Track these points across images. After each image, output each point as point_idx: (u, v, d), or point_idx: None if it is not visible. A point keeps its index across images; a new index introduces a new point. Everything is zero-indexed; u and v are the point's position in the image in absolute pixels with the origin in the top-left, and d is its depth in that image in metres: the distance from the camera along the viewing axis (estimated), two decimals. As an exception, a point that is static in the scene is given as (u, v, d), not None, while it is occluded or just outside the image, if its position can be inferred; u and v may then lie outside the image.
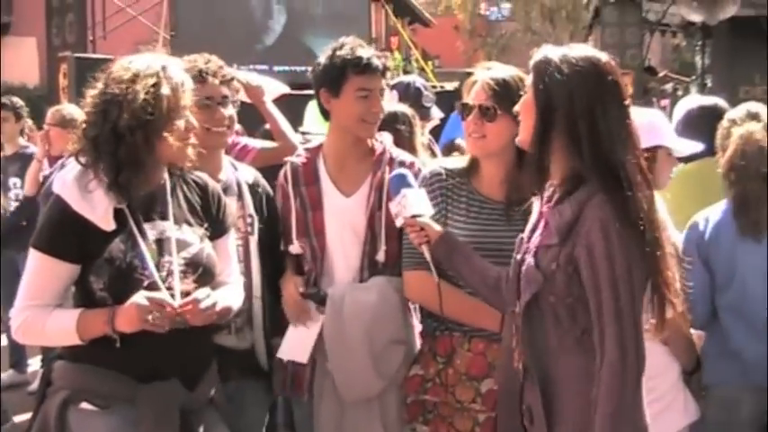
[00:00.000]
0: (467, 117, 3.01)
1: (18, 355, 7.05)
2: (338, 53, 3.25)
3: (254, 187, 3.38)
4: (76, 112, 6.12)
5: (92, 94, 2.66)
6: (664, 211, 3.23)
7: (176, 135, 2.66)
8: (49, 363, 2.80)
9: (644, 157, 2.38)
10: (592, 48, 2.48)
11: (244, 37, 10.23)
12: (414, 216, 2.77)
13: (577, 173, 2.34)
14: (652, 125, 3.25)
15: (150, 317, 2.49)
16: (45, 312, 2.62)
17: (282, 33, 10.77)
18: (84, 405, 2.61)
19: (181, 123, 2.67)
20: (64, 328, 2.58)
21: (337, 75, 3.24)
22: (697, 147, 3.45)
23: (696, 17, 15.03)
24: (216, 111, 3.21)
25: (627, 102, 2.38)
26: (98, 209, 2.60)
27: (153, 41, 11.61)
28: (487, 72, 3.02)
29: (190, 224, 2.79)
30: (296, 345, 3.29)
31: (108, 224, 2.61)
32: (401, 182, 2.86)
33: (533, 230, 2.49)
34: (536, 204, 2.55)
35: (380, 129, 3.59)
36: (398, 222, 2.83)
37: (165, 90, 2.61)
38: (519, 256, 2.49)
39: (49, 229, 2.65)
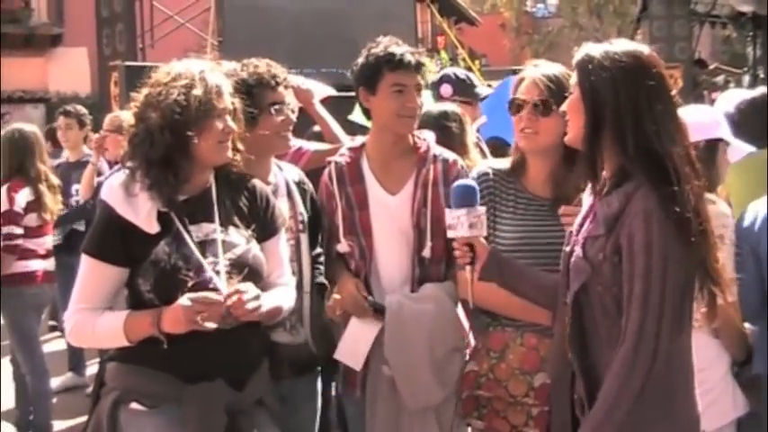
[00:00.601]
0: (518, 113, 3.02)
1: (76, 358, 7.17)
2: (372, 51, 3.32)
3: (300, 185, 3.42)
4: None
5: (136, 98, 2.73)
6: (725, 204, 3.21)
7: (209, 135, 2.70)
8: (102, 364, 2.87)
9: (695, 148, 2.38)
10: (633, 42, 2.47)
11: (291, 41, 10.28)
12: (466, 238, 2.70)
13: (625, 166, 2.34)
14: (714, 120, 3.27)
15: (199, 317, 2.53)
16: (95, 315, 2.67)
17: (329, 35, 10.80)
18: (134, 405, 2.65)
19: (217, 124, 2.71)
20: (112, 329, 2.64)
21: (372, 72, 3.30)
22: (750, 148, 3.43)
23: (746, 7, 14.81)
24: (286, 115, 3.28)
25: (673, 93, 2.37)
26: (141, 212, 2.65)
27: (201, 48, 11.76)
28: (537, 69, 3.04)
29: (236, 226, 2.82)
30: (351, 349, 3.33)
31: (151, 227, 2.65)
32: (466, 198, 2.74)
33: (583, 222, 2.50)
34: (586, 198, 2.55)
35: (431, 127, 3.61)
36: (450, 234, 2.77)
37: (197, 91, 2.65)
38: (568, 248, 2.50)
39: (97, 233, 2.72)
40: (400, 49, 3.30)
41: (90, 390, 6.62)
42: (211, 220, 2.76)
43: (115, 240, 2.66)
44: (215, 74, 2.76)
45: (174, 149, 2.65)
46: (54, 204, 5.77)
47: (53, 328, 8.59)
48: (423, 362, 3.14)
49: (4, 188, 5.55)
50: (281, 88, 3.27)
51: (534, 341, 2.97)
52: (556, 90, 2.94)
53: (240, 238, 2.79)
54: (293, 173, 3.47)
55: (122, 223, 2.65)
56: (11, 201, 5.50)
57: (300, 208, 3.34)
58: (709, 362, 3.11)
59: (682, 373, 2.36)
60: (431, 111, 4.15)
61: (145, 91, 2.71)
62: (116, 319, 2.65)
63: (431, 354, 3.14)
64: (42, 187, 5.66)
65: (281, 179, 3.37)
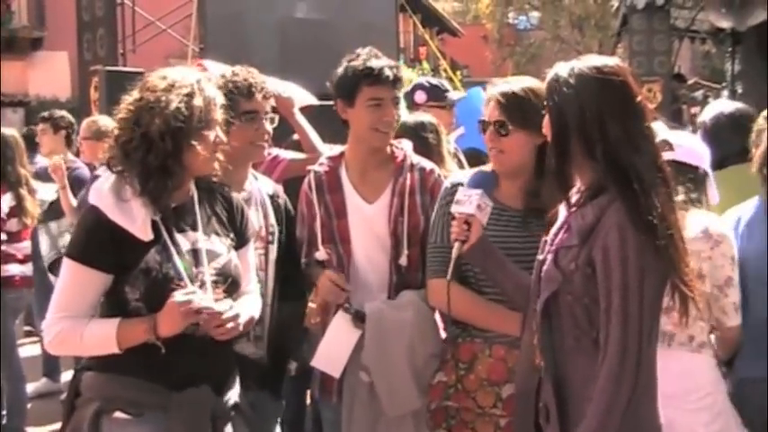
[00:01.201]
0: (485, 133, 3.06)
1: (51, 364, 7.12)
2: (351, 64, 3.34)
3: (273, 198, 3.44)
4: (110, 124, 6.22)
5: (126, 101, 2.69)
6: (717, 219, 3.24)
7: (205, 146, 2.70)
8: (76, 374, 2.81)
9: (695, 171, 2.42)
10: (603, 56, 2.52)
11: (273, 49, 10.28)
12: (471, 215, 2.75)
13: (598, 179, 2.38)
14: (695, 148, 3.34)
15: (192, 306, 2.53)
16: (81, 323, 2.62)
17: (311, 44, 10.81)
18: (118, 414, 2.63)
19: (211, 135, 2.71)
20: (103, 338, 2.59)
21: (350, 85, 3.32)
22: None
23: (725, 23, 14.93)
24: (260, 125, 3.30)
25: (638, 101, 2.40)
26: (137, 219, 2.62)
27: (182, 54, 11.75)
28: (499, 87, 3.05)
29: (218, 234, 2.84)
30: (330, 357, 3.34)
31: (146, 235, 2.63)
32: (482, 185, 2.86)
33: (558, 232, 2.53)
34: (562, 210, 2.58)
35: (408, 137, 3.63)
36: (454, 208, 2.81)
37: (198, 101, 2.66)
38: (541, 257, 2.53)
39: (85, 239, 2.66)
40: (378, 62, 3.32)
41: (65, 396, 6.65)
42: (196, 229, 2.76)
43: (104, 246, 2.61)
44: (210, 85, 2.77)
45: (171, 157, 2.63)
46: (34, 208, 5.74)
47: (28, 333, 8.54)
48: (403, 368, 3.15)
49: None
50: (257, 97, 3.28)
51: (502, 352, 3.00)
52: (513, 108, 2.96)
53: (222, 247, 2.81)
54: (267, 185, 3.49)
55: (112, 229, 2.61)
56: None
57: (272, 219, 3.36)
58: (715, 385, 3.15)
59: (649, 383, 2.38)
60: (407, 121, 4.18)
61: (137, 95, 2.68)
62: (107, 328, 2.60)
63: (411, 360, 3.15)
64: (23, 191, 5.65)
65: (255, 188, 3.38)
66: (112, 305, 2.66)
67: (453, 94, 5.35)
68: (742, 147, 3.80)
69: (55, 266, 6.67)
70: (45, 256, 6.59)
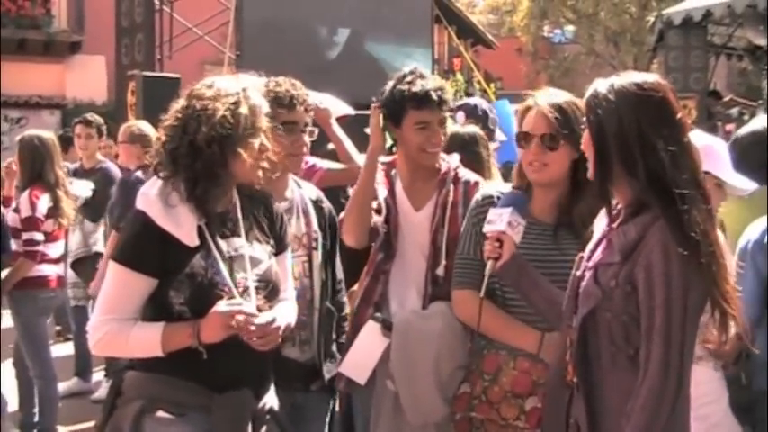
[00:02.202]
0: (526, 146, 3.02)
1: (83, 364, 7.20)
2: (398, 87, 3.38)
3: (317, 204, 3.49)
4: (146, 128, 6.31)
5: (174, 109, 2.73)
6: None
7: (250, 153, 2.73)
8: (118, 373, 2.85)
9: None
10: (642, 72, 2.50)
11: (309, 58, 10.35)
12: (503, 232, 2.77)
13: (638, 196, 2.37)
14: (706, 150, 3.18)
15: (234, 322, 2.57)
16: (127, 326, 2.66)
17: (345, 54, 10.88)
18: (160, 413, 2.66)
19: (256, 143, 2.74)
20: (148, 341, 2.63)
21: (397, 108, 3.37)
22: (751, 184, 3.42)
23: (762, 41, 14.81)
24: (299, 137, 3.34)
25: (679, 117, 2.39)
26: (184, 225, 2.66)
27: (218, 61, 11.84)
28: (544, 98, 3.03)
29: (259, 241, 2.87)
30: (357, 364, 3.38)
31: (192, 240, 2.67)
32: (513, 202, 2.86)
33: (595, 249, 2.52)
34: (599, 224, 2.58)
35: (459, 149, 3.66)
36: (486, 228, 2.82)
37: (244, 109, 2.69)
38: (578, 273, 2.53)
39: (132, 243, 2.70)
40: (424, 85, 3.35)
41: (96, 396, 6.73)
42: (238, 235, 2.80)
43: (152, 250, 2.65)
44: (256, 93, 2.80)
45: (218, 164, 2.67)
46: (69, 209, 5.82)
47: (59, 333, 8.64)
48: (428, 379, 3.16)
49: (26, 194, 5.59)
50: (298, 109, 3.31)
51: (527, 365, 3.00)
52: (563, 121, 2.95)
53: (263, 254, 2.84)
54: (311, 191, 3.53)
55: (159, 234, 2.64)
56: (33, 207, 5.55)
57: (315, 226, 3.40)
58: (713, 395, 3.13)
59: (686, 399, 2.38)
60: (460, 133, 4.19)
61: (183, 103, 2.71)
62: (152, 331, 2.64)
63: (436, 371, 3.16)
64: (60, 193, 5.72)
65: (297, 196, 3.43)
66: (156, 309, 2.69)
67: (499, 134, 5.33)
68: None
69: (79, 264, 6.74)
70: (71, 251, 6.67)
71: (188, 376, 2.66)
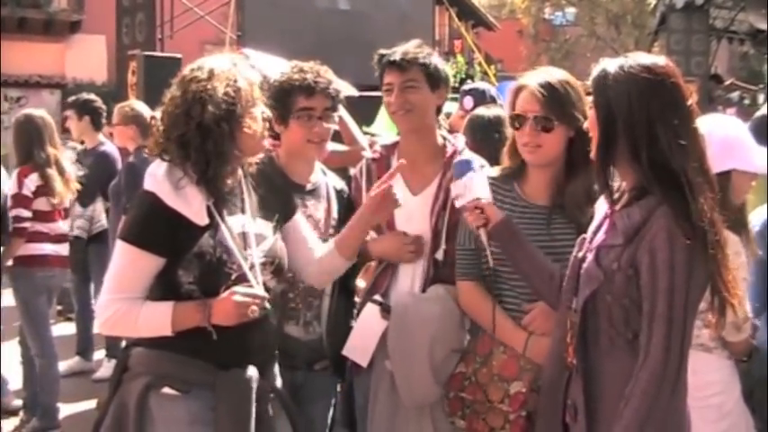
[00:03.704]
0: (520, 128, 3.02)
1: (86, 343, 7.24)
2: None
3: (340, 193, 3.51)
4: (142, 109, 6.30)
5: (171, 97, 2.73)
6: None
7: (254, 124, 2.75)
8: (124, 350, 2.85)
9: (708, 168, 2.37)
10: (651, 54, 2.48)
11: (310, 39, 10.33)
12: (477, 199, 2.82)
13: (642, 180, 2.37)
14: (724, 145, 3.11)
15: (249, 310, 2.61)
16: (136, 305, 2.66)
17: (347, 36, 10.86)
18: (166, 390, 2.67)
19: (257, 113, 2.77)
20: (158, 320, 2.64)
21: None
22: None
23: (764, 24, 14.78)
24: (315, 124, 3.33)
25: (689, 104, 2.37)
26: (193, 204, 2.67)
27: (220, 41, 11.82)
28: (534, 78, 3.01)
29: (263, 218, 2.89)
30: (359, 346, 3.39)
31: (202, 219, 2.68)
32: (466, 166, 2.90)
33: (597, 230, 2.52)
34: (600, 206, 2.59)
35: (485, 131, 3.64)
36: (458, 203, 2.87)
37: (242, 83, 2.71)
38: (580, 254, 2.53)
39: (142, 223, 2.69)
40: (393, 50, 3.36)
41: (97, 375, 6.77)
42: (244, 212, 2.82)
43: (160, 230, 2.65)
44: (245, 65, 2.82)
45: (228, 141, 2.68)
46: (63, 189, 5.79)
47: (60, 312, 8.67)
48: (422, 361, 3.17)
49: (15, 172, 5.63)
50: (318, 96, 3.31)
51: (516, 350, 3.03)
52: (556, 102, 2.94)
53: (268, 230, 2.87)
54: (337, 181, 3.56)
55: (168, 213, 2.65)
56: (20, 185, 5.58)
57: (335, 213, 3.43)
58: (725, 384, 3.14)
59: (684, 384, 2.38)
60: (484, 114, 4.18)
61: (178, 90, 2.71)
62: (162, 311, 2.65)
63: (431, 354, 3.17)
64: (51, 171, 5.68)
65: (322, 182, 3.46)
66: (164, 288, 2.70)
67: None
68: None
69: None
70: None
71: (194, 353, 2.68)
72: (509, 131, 4.02)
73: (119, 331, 2.83)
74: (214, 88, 2.65)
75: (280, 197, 3.01)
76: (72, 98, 7.45)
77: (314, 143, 3.35)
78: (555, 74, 3.03)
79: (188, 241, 2.65)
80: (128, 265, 2.70)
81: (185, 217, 2.65)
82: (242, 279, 2.69)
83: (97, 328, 2.81)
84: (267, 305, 2.71)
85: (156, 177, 2.69)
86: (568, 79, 2.99)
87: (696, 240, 2.25)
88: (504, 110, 5.16)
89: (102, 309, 2.71)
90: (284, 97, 3.29)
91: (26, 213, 5.57)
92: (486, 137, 3.93)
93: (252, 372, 2.73)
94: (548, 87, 2.95)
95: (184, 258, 2.64)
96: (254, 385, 2.72)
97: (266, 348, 2.87)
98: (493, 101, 5.19)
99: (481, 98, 5.18)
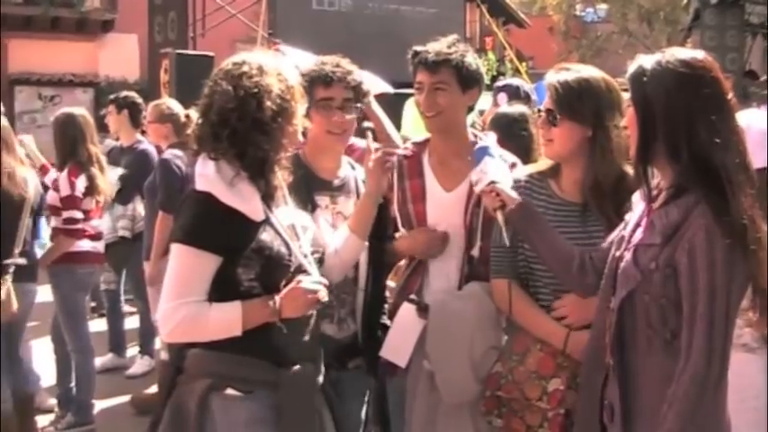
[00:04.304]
0: (539, 121, 3.09)
1: (118, 339, 7.30)
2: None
3: None
4: (176, 107, 6.33)
5: (216, 92, 2.70)
6: None
7: (298, 122, 2.78)
8: (177, 352, 2.80)
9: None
10: (687, 49, 2.44)
11: (342, 37, 10.33)
12: (492, 182, 2.86)
13: (681, 177, 2.33)
14: (763, 140, 3.08)
15: (318, 298, 2.64)
16: (204, 309, 2.63)
17: (378, 32, 10.85)
18: (229, 391, 2.66)
19: (302, 110, 2.79)
20: (228, 322, 2.62)
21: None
22: None
23: (801, 20, 14.60)
24: (334, 114, 3.32)
25: (729, 98, 2.34)
26: (251, 200, 2.67)
27: (251, 40, 11.86)
28: (555, 75, 3.03)
29: (300, 208, 2.92)
30: (396, 347, 3.38)
31: (259, 214, 2.68)
32: (482, 153, 2.95)
33: (635, 229, 2.49)
34: (638, 204, 2.56)
35: (509, 129, 3.63)
36: (477, 188, 2.92)
37: (293, 80, 2.74)
38: (618, 253, 2.50)
39: (198, 223, 2.66)
40: (424, 48, 3.36)
41: (129, 371, 6.82)
42: (287, 203, 2.84)
43: (218, 229, 2.63)
44: (284, 63, 2.83)
45: (284, 136, 2.70)
46: (106, 186, 5.88)
47: (93, 309, 8.74)
48: (462, 359, 3.17)
49: (64, 174, 5.66)
50: (334, 85, 3.31)
51: (553, 347, 3.01)
52: (564, 98, 2.96)
53: (308, 220, 2.90)
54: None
55: (225, 212, 2.63)
56: (72, 186, 5.62)
57: None
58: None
59: (726, 384, 2.34)
60: (509, 112, 4.17)
61: (227, 86, 2.67)
62: (231, 311, 2.62)
63: (470, 351, 3.17)
64: (95, 170, 5.77)
65: (350, 177, 3.46)
66: (222, 288, 2.66)
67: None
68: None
69: (110, 251, 6.77)
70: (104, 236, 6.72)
71: (254, 353, 2.66)
72: (534, 128, 4.07)
73: (188, 337, 2.71)
74: (269, 84, 2.65)
75: (302, 195, 3.02)
76: (111, 96, 7.49)
77: (334, 134, 3.34)
78: (579, 72, 3.03)
79: (246, 238, 2.64)
80: (188, 268, 2.66)
81: (242, 213, 2.64)
82: (299, 270, 2.70)
83: (165, 338, 2.75)
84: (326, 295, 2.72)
85: (209, 177, 2.68)
86: (589, 78, 2.99)
87: (736, 238, 2.21)
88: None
89: (167, 318, 2.66)
90: (306, 90, 3.29)
91: (79, 215, 5.65)
92: (510, 135, 3.92)
93: (311, 368, 2.73)
94: (562, 84, 2.98)
95: (242, 255, 2.63)
96: (314, 381, 2.73)
97: (317, 344, 2.86)
98: (527, 97, 5.17)
99: (515, 94, 5.17)
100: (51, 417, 5.95)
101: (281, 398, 2.66)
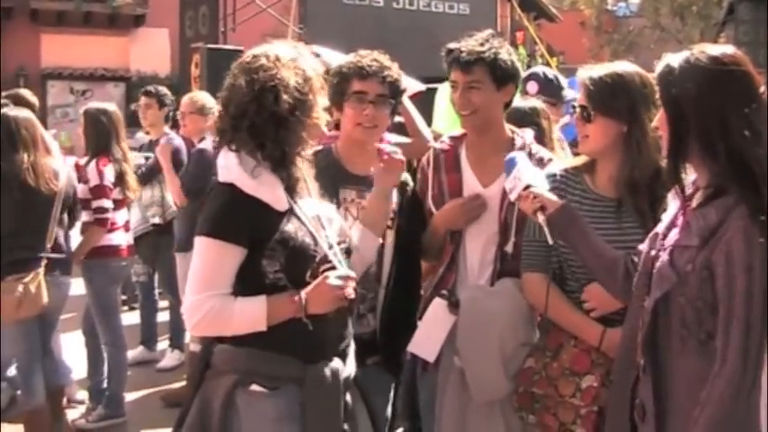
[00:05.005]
0: (575, 117, 3.07)
1: (149, 332, 7.34)
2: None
3: (402, 185, 3.44)
4: (211, 100, 6.35)
5: (234, 85, 2.70)
6: None
7: (320, 112, 2.75)
8: (205, 347, 2.81)
9: None
10: (715, 45, 2.39)
11: (373, 33, 10.32)
12: (527, 186, 2.82)
13: (718, 177, 2.29)
14: None
15: (345, 293, 2.61)
16: (229, 302, 2.62)
17: (409, 26, 10.82)
18: (255, 387, 2.65)
19: (323, 102, 2.77)
20: (252, 316, 2.61)
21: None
22: None
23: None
24: (366, 107, 3.30)
25: (762, 92, 2.29)
26: (275, 190, 2.66)
27: (281, 35, 11.87)
28: (588, 71, 3.02)
29: (325, 200, 2.91)
30: (425, 342, 3.36)
31: (283, 205, 2.67)
32: (511, 163, 2.92)
33: (670, 229, 2.46)
34: (672, 202, 2.52)
35: (519, 122, 3.61)
36: (513, 196, 2.88)
37: (311, 72, 2.71)
38: (653, 252, 2.46)
39: (222, 215, 2.65)
40: (458, 46, 3.33)
41: (160, 365, 6.85)
42: (310, 195, 2.83)
43: (242, 220, 2.62)
44: (306, 54, 2.80)
45: (303, 130, 2.68)
46: (134, 181, 5.91)
47: (125, 302, 8.79)
48: (493, 356, 3.14)
49: (92, 165, 5.67)
50: (370, 79, 3.29)
51: (588, 344, 2.99)
52: (597, 95, 2.94)
53: (333, 212, 2.88)
54: None
55: (249, 203, 2.62)
56: (101, 175, 5.62)
57: (393, 205, 3.35)
58: None
59: (758, 389, 2.30)
60: (520, 106, 4.15)
61: (244, 78, 2.67)
62: (256, 306, 2.61)
63: (501, 348, 3.15)
64: (126, 166, 5.80)
65: None
66: (247, 280, 2.65)
67: (568, 92, 5.30)
68: None
69: (141, 242, 6.81)
70: (133, 228, 6.76)
71: (280, 349, 2.65)
72: (545, 122, 4.04)
73: (212, 331, 2.71)
74: (286, 77, 2.64)
75: (327, 189, 3.00)
76: (146, 87, 7.51)
77: (365, 127, 3.32)
78: (613, 67, 3.01)
79: (270, 228, 2.62)
80: (213, 261, 2.65)
81: (266, 204, 2.63)
82: (324, 261, 2.68)
83: (190, 330, 2.75)
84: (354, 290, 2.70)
85: (231, 168, 2.67)
86: (623, 73, 2.96)
87: None
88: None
89: (194, 310, 2.65)
90: (341, 82, 3.30)
91: (108, 204, 5.64)
92: (525, 127, 3.87)
93: (338, 364, 2.71)
94: (594, 80, 2.96)
95: (267, 247, 2.61)
96: (342, 377, 2.71)
97: (344, 338, 2.83)
98: (559, 86, 5.16)
99: (546, 84, 5.16)
100: (82, 409, 5.98)
101: (305, 394, 2.64)
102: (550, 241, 2.81)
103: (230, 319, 2.62)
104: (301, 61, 2.72)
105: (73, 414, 5.89)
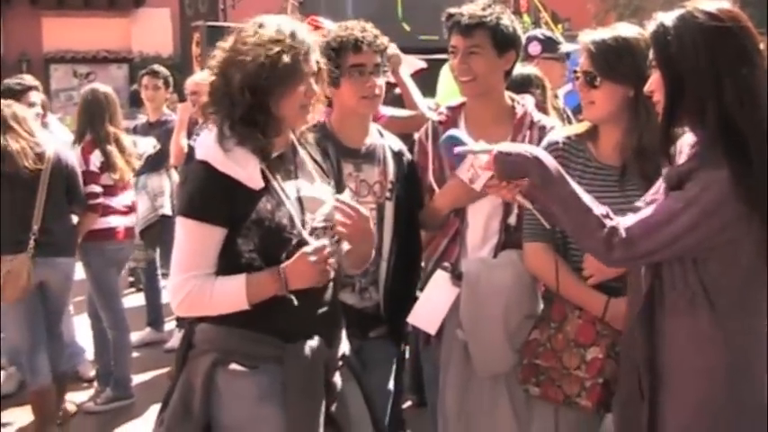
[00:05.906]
0: (578, 83, 2.99)
1: (156, 314, 7.34)
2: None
3: (398, 155, 3.40)
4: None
5: (219, 52, 2.67)
6: None
7: (293, 100, 2.65)
8: (189, 326, 2.80)
9: None
10: (712, 1, 2.27)
11: (372, 5, 10.24)
12: (491, 177, 2.58)
13: (707, 142, 2.21)
14: None
15: (327, 266, 2.58)
16: (208, 282, 2.59)
17: (409, 2, 10.74)
18: (233, 366, 2.62)
19: (301, 89, 2.65)
20: (233, 295, 2.58)
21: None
22: None
23: None
24: (368, 79, 3.26)
25: (760, 49, 2.21)
26: (247, 167, 2.60)
27: (282, 10, 11.79)
28: (590, 35, 2.94)
29: (320, 182, 2.83)
30: (427, 314, 3.33)
31: (257, 183, 2.61)
32: (455, 142, 2.72)
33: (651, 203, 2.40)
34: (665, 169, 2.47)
35: (514, 91, 3.55)
36: (477, 187, 2.76)
37: (286, 58, 2.59)
38: None
39: (198, 195, 2.62)
40: (457, 10, 3.29)
41: (169, 345, 6.86)
42: (299, 176, 2.77)
43: (219, 200, 2.58)
44: (304, 33, 2.70)
45: (256, 110, 2.60)
46: (124, 165, 5.80)
47: (132, 284, 8.80)
48: (497, 329, 3.11)
49: (78, 150, 5.65)
50: (364, 50, 3.24)
51: (592, 315, 2.94)
52: (602, 60, 2.87)
53: (327, 195, 2.80)
54: (395, 143, 3.46)
55: (224, 181, 2.58)
56: (86, 161, 5.60)
57: (391, 176, 3.33)
58: None
59: (756, 357, 2.28)
60: (516, 74, 4.10)
61: (227, 46, 2.64)
62: (235, 285, 2.57)
63: (505, 321, 3.11)
64: (111, 148, 5.70)
65: (378, 144, 3.38)
66: (224, 260, 2.62)
67: (566, 46, 5.37)
68: None
69: (148, 231, 6.78)
70: (141, 218, 6.72)
71: (260, 328, 2.61)
72: (538, 91, 3.98)
73: (195, 311, 2.69)
74: (255, 56, 2.56)
75: (327, 164, 2.96)
76: (151, 67, 7.51)
77: (368, 99, 3.27)
78: (616, 30, 2.93)
79: (245, 207, 2.58)
80: (192, 241, 2.62)
81: (240, 182, 2.58)
82: (302, 245, 2.62)
83: (174, 310, 2.74)
84: (335, 264, 2.66)
85: (207, 145, 2.63)
86: (627, 36, 2.88)
87: (754, 204, 2.12)
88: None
89: (176, 290, 2.63)
90: (334, 57, 3.17)
91: (98, 189, 5.59)
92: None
93: (317, 342, 2.66)
94: (599, 44, 2.89)
95: (243, 226, 2.57)
96: (322, 356, 2.66)
97: (331, 317, 2.79)
98: (557, 42, 5.33)
99: (547, 43, 5.18)
100: (91, 391, 6.01)
101: (285, 373, 2.61)
102: (547, 226, 2.70)
103: (211, 298, 2.59)
104: (286, 43, 2.60)
105: (81, 396, 5.92)
